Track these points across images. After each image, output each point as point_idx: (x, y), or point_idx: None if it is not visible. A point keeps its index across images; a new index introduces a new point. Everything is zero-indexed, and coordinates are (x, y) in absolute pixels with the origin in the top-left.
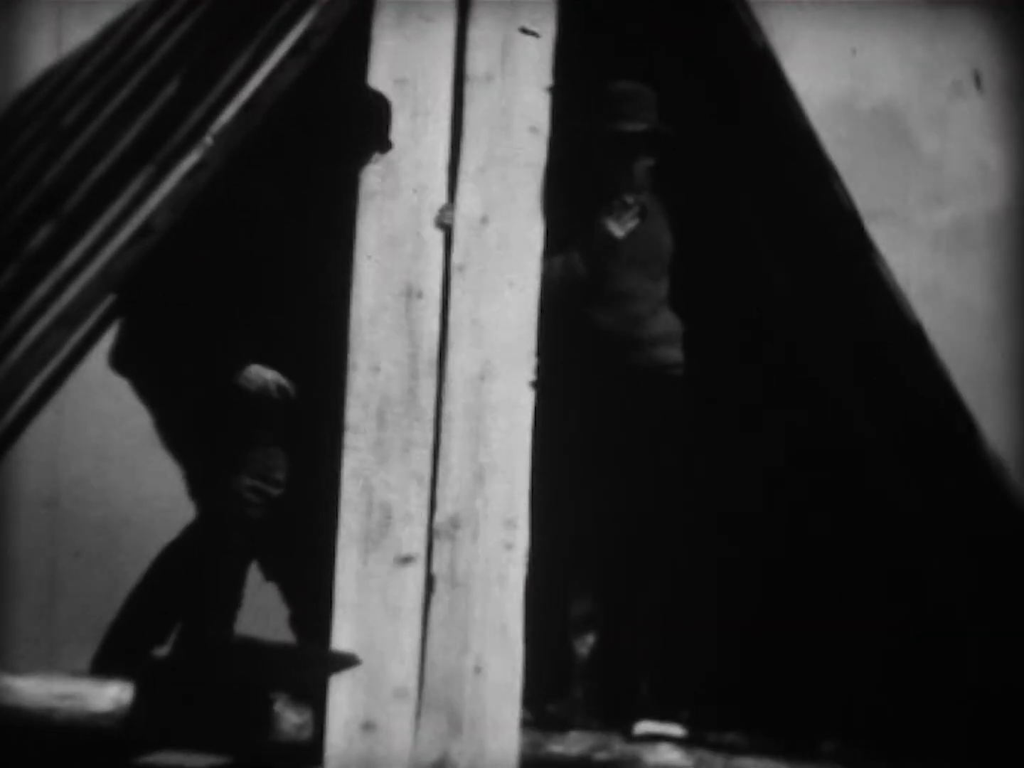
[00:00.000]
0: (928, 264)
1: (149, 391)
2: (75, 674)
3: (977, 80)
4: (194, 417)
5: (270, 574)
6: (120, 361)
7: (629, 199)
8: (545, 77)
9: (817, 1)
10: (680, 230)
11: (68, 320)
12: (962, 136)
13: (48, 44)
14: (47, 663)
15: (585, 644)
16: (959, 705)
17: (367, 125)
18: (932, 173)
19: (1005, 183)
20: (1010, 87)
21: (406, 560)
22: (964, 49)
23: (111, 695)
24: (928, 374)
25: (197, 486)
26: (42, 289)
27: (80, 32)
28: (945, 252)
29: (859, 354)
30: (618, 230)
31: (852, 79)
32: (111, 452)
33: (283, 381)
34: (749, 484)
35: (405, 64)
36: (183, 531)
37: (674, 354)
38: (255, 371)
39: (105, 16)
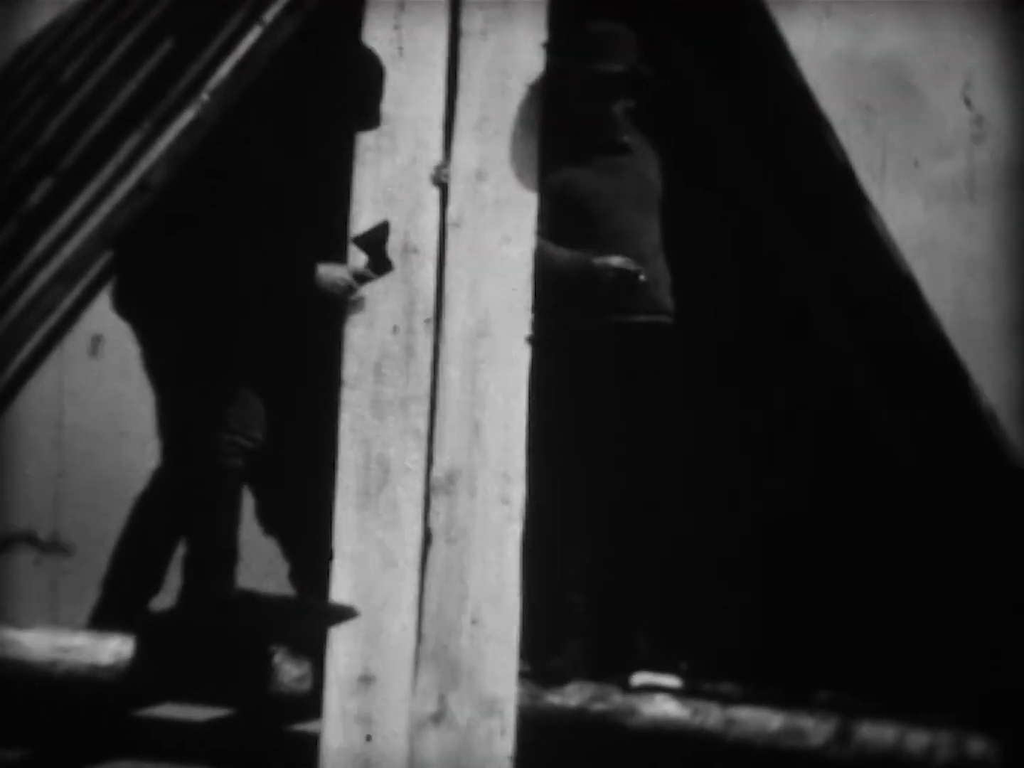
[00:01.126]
0: (931, 215)
1: (145, 334)
2: (77, 628)
3: None
4: (183, 363)
5: (270, 528)
6: (118, 303)
7: (631, 266)
8: (540, 33)
9: None
10: (669, 172)
11: (67, 275)
12: (967, 89)
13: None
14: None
15: (581, 596)
16: (951, 656)
17: (361, 90)
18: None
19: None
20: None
21: (404, 514)
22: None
23: (112, 648)
24: (922, 327)
25: (176, 436)
26: (41, 245)
27: None
28: (948, 204)
29: (855, 306)
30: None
31: (856, 31)
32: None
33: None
34: (741, 438)
35: (401, 20)
36: (157, 480)
37: (667, 300)
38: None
39: None
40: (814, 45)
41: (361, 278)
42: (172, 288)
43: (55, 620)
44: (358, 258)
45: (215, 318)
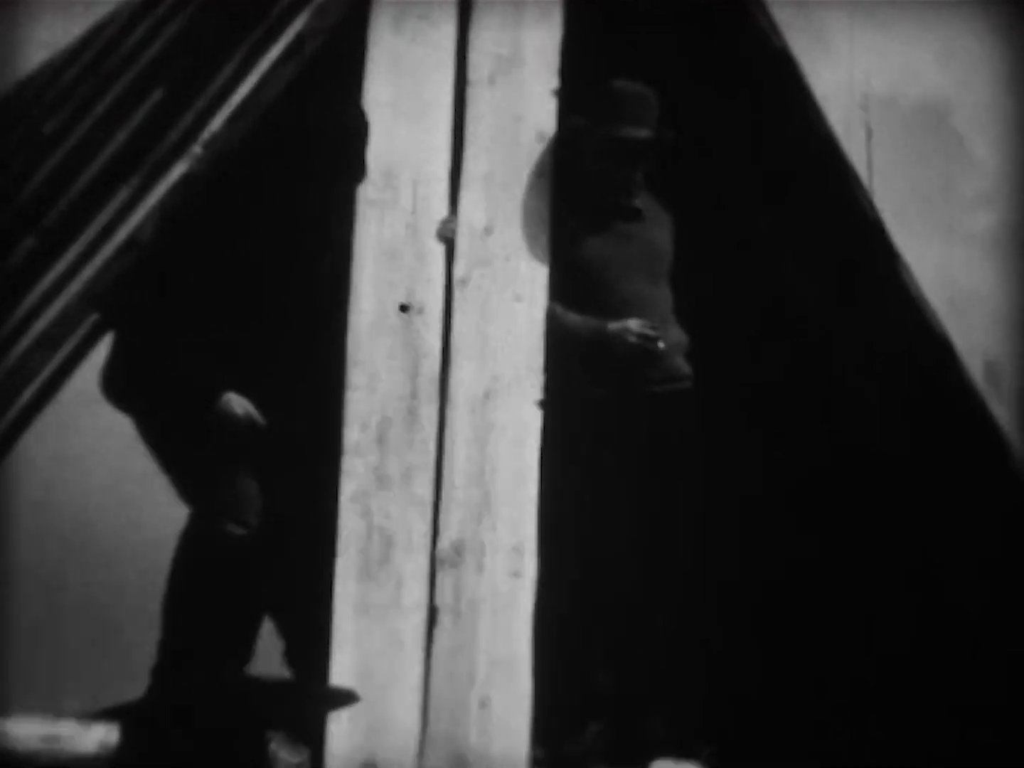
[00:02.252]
0: (971, 265)
1: (137, 417)
2: (60, 715)
3: None
4: (174, 445)
5: (264, 606)
6: (105, 387)
7: (650, 330)
8: (551, 80)
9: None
10: (683, 236)
11: (50, 341)
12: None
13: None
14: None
15: (609, 677)
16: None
17: (346, 146)
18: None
19: None
20: None
21: (408, 590)
22: (1012, 46)
23: (96, 738)
24: (961, 393)
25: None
26: (22, 308)
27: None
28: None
29: (883, 365)
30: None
31: (898, 74)
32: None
33: (255, 413)
34: (754, 492)
35: (403, 67)
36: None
37: (685, 366)
38: (233, 400)
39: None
40: (848, 86)
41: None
42: (161, 373)
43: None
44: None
45: (201, 406)
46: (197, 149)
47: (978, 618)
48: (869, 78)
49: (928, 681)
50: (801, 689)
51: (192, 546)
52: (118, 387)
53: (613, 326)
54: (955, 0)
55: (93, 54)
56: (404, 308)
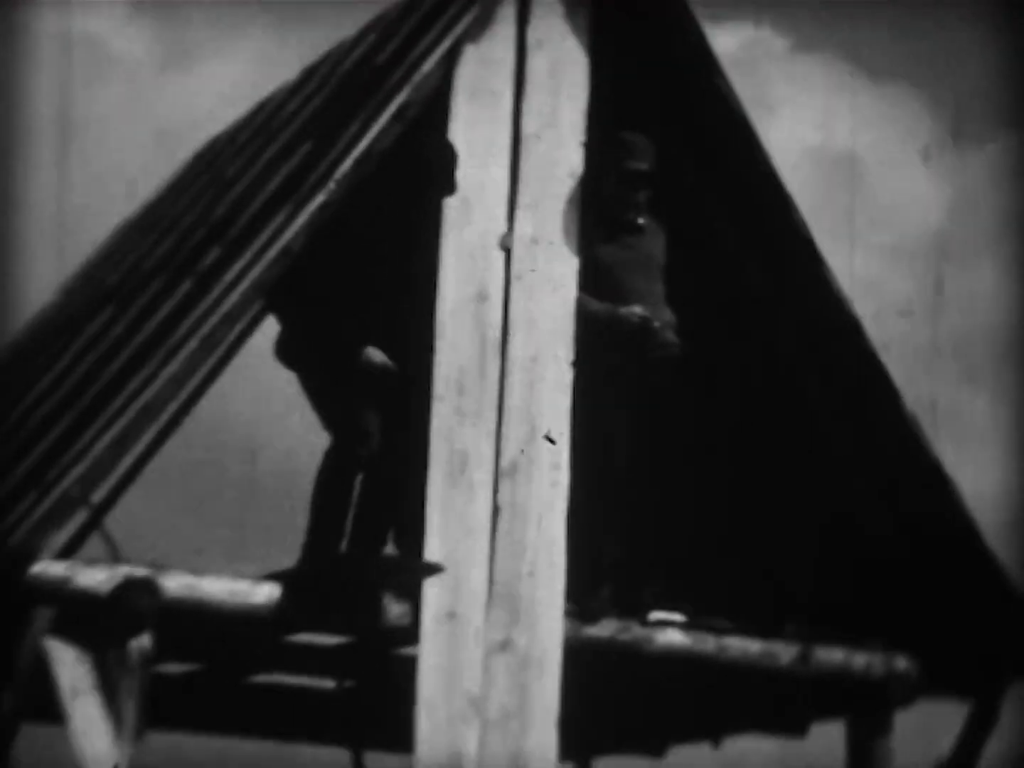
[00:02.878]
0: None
1: (299, 372)
2: (240, 576)
3: (927, 155)
4: (325, 393)
5: (383, 507)
6: (278, 352)
7: (647, 314)
8: (580, 135)
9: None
10: (671, 246)
11: (230, 319)
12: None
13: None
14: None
15: (609, 555)
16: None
17: (443, 172)
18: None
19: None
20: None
21: (478, 494)
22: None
23: (265, 592)
24: (861, 353)
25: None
26: (211, 296)
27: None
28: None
29: (810, 336)
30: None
31: (824, 132)
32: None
33: (388, 360)
34: (721, 427)
35: (476, 126)
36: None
37: (672, 337)
38: (372, 351)
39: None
40: (788, 142)
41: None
42: (316, 340)
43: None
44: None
45: (348, 360)
46: (332, 185)
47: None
48: (803, 135)
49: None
50: (757, 562)
51: (333, 462)
52: (288, 353)
53: (623, 310)
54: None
55: (261, 119)
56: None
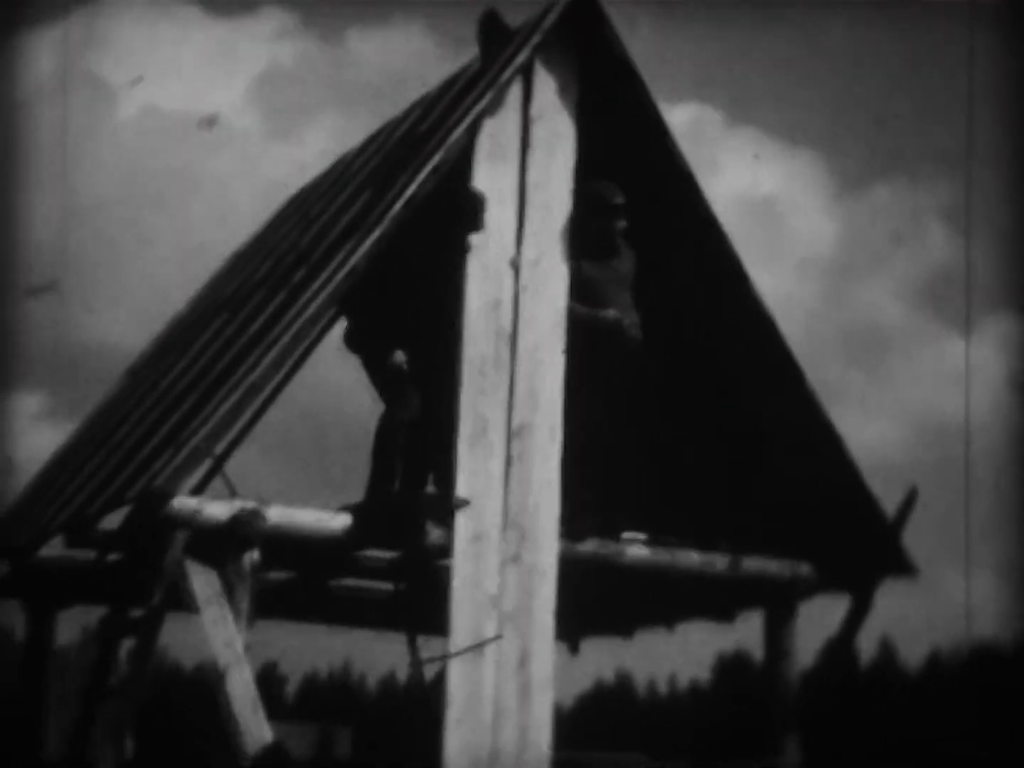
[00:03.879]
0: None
1: (361, 357)
2: (322, 508)
3: (896, 237)
4: (377, 374)
5: (424, 458)
6: (346, 342)
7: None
8: (569, 184)
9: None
10: (638, 265)
11: (314, 320)
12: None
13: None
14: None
15: (593, 493)
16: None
17: (472, 214)
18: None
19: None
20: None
21: (495, 449)
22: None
23: (340, 521)
24: (774, 344)
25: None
26: (299, 304)
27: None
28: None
29: (737, 331)
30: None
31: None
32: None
33: (404, 361)
34: (672, 398)
35: (492, 178)
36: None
37: (637, 333)
38: (398, 353)
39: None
40: (725, 189)
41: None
42: (377, 333)
43: None
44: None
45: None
46: (386, 222)
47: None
48: (735, 185)
49: None
50: (692, 493)
51: (387, 424)
52: (351, 343)
53: (601, 313)
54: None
55: (336, 173)
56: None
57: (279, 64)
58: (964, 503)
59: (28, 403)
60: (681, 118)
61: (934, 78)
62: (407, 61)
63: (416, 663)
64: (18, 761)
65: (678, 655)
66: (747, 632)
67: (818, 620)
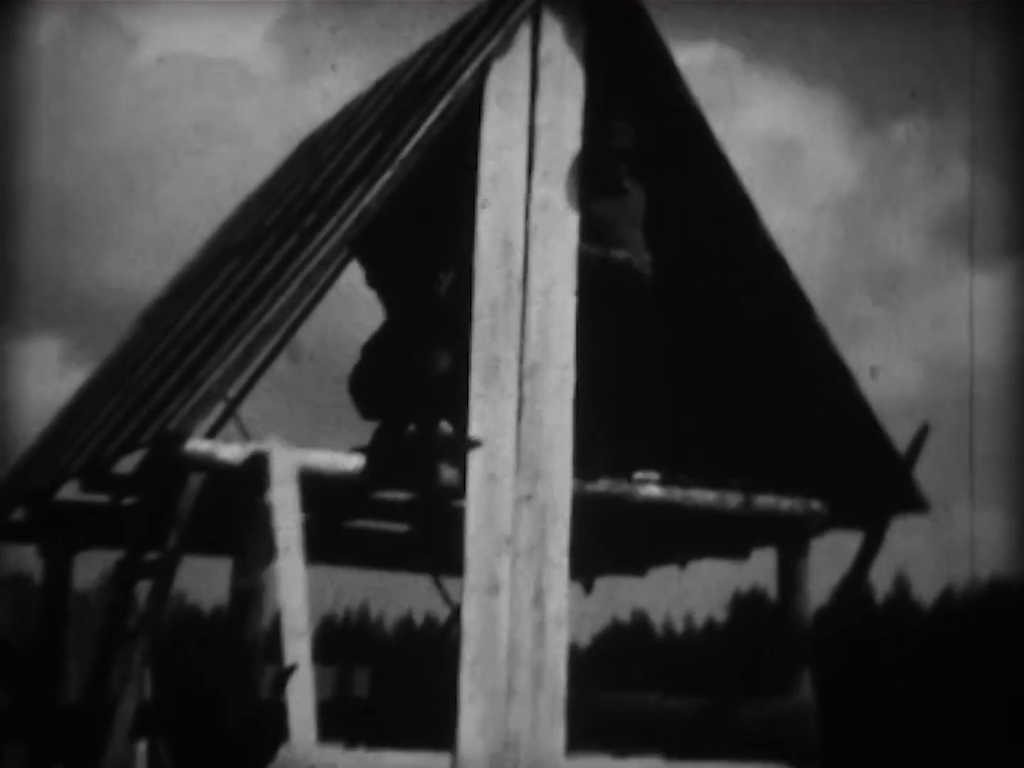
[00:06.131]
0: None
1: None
2: (336, 450)
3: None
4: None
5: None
6: (369, 282)
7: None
8: (578, 124)
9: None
10: (648, 204)
11: (324, 264)
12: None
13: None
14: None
15: (605, 431)
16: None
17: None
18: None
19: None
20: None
21: (507, 389)
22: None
23: (354, 462)
24: (784, 280)
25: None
26: (310, 248)
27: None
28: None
29: (746, 268)
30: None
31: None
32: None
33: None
34: (683, 335)
35: (502, 120)
36: None
37: (647, 271)
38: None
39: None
40: (746, 129)
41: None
42: (392, 272)
43: None
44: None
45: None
46: (396, 164)
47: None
48: (757, 125)
49: None
50: (704, 431)
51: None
52: (373, 282)
53: (613, 253)
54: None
55: (346, 117)
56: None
57: (299, 7)
58: (969, 438)
59: (48, 348)
60: (701, 58)
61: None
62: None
63: (450, 602)
64: (38, 704)
65: (694, 594)
66: (763, 570)
67: (831, 559)
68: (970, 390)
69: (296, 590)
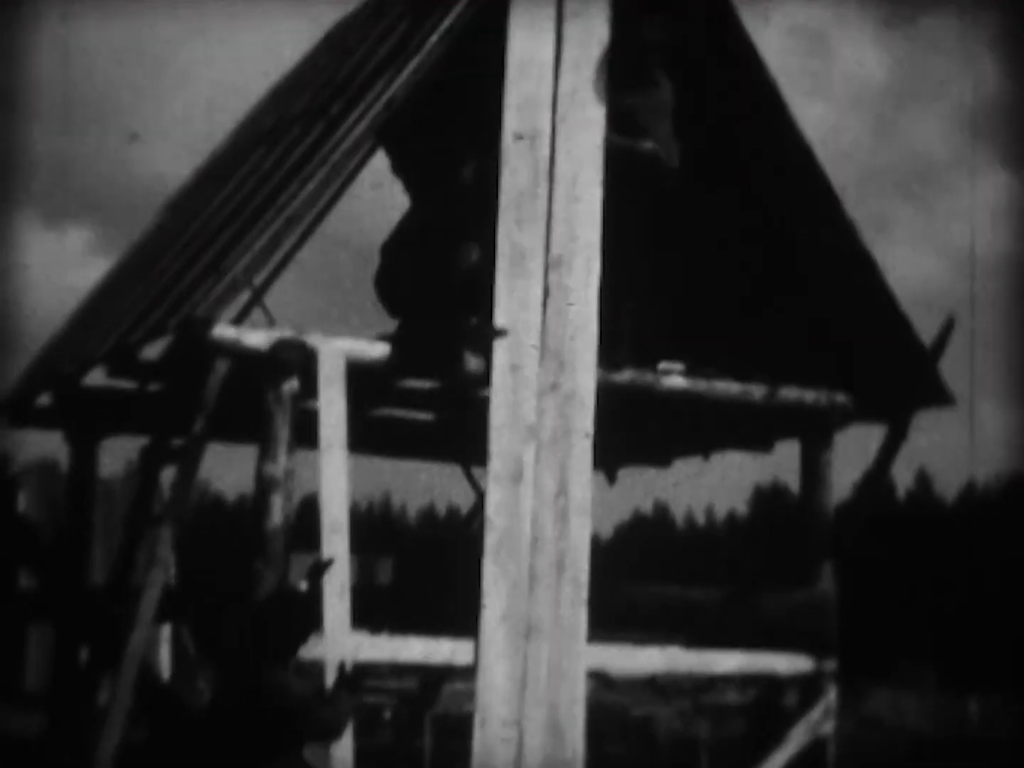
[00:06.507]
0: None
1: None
2: (360, 337)
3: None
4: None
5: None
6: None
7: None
8: (607, 13)
9: None
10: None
11: (351, 151)
12: None
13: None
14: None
15: (630, 321)
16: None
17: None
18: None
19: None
20: None
21: (533, 278)
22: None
23: (379, 349)
24: (813, 173)
25: None
26: (337, 136)
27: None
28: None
29: (772, 157)
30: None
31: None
32: None
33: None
34: (709, 226)
35: (529, 9)
36: None
37: (674, 161)
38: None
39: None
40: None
41: None
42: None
43: None
44: None
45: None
46: (423, 53)
47: None
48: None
49: None
50: (729, 322)
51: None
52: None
53: (640, 144)
54: None
55: (373, 6)
56: None
57: None
58: (970, 336)
59: (76, 238)
60: None
61: None
62: None
63: (478, 489)
64: (65, 589)
65: (716, 487)
66: (785, 466)
67: (853, 457)
68: (971, 286)
69: (338, 486)
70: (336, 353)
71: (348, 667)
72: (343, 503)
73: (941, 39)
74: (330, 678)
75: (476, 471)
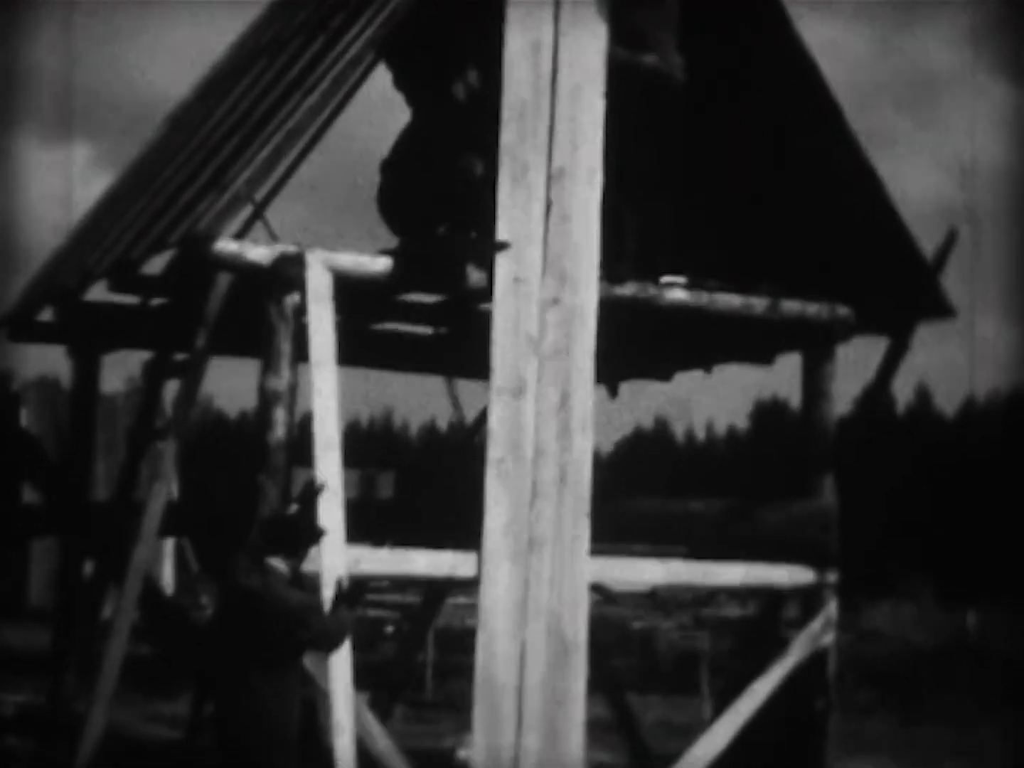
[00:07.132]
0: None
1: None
2: (361, 251)
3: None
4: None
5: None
6: (396, 84)
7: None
8: (602, 43)
9: None
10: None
11: (353, 64)
12: None
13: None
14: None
15: (632, 235)
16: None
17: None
18: None
19: None
20: None
21: (535, 192)
22: None
23: (382, 263)
24: (816, 86)
25: None
26: (339, 48)
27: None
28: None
29: (776, 71)
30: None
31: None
32: None
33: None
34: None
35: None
36: None
37: (679, 75)
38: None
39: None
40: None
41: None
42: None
43: None
44: None
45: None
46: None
47: None
48: None
49: None
50: (732, 235)
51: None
52: (399, 84)
53: (643, 56)
54: None
55: None
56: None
57: None
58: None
59: (76, 153)
60: None
61: None
62: None
63: (456, 404)
64: (69, 504)
65: (716, 402)
66: (784, 381)
67: (853, 372)
68: (967, 203)
69: (329, 402)
70: (324, 268)
71: (345, 580)
72: (335, 420)
73: None
74: (327, 591)
75: (479, 385)
